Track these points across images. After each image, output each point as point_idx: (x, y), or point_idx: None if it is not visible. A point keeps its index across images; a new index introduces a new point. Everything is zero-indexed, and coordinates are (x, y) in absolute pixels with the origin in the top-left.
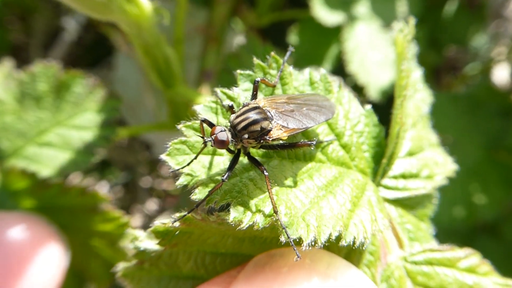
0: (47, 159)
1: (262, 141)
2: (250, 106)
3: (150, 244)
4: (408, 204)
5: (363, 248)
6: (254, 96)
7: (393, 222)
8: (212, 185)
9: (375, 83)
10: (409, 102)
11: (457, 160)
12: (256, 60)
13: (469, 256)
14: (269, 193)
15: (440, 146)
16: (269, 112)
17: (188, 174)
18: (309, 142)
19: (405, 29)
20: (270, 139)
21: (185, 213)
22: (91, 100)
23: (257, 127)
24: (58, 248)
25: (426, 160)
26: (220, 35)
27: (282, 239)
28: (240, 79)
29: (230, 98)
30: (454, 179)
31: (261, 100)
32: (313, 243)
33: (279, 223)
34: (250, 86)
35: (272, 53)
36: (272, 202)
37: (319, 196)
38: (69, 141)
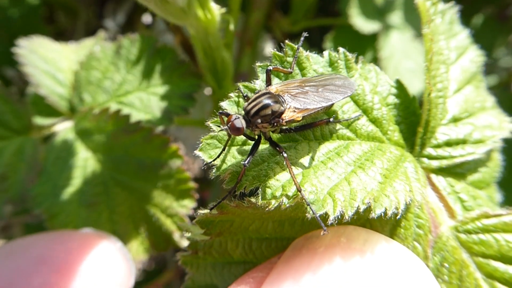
0: None
1: (276, 124)
2: (261, 92)
3: (200, 235)
4: (459, 172)
5: (397, 219)
6: (267, 84)
7: (441, 192)
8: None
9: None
10: (452, 67)
11: None
12: (272, 51)
13: None
14: (291, 173)
15: (497, 108)
16: (280, 96)
17: (219, 166)
18: (325, 120)
19: None
20: (283, 121)
21: (220, 200)
22: (176, 74)
23: (268, 111)
24: (127, 267)
25: (477, 125)
26: (255, 40)
27: (309, 216)
28: (259, 71)
29: (251, 90)
30: None
31: (273, 86)
32: (339, 217)
33: (304, 201)
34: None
35: (287, 41)
36: (294, 181)
37: (347, 172)
38: (148, 105)
